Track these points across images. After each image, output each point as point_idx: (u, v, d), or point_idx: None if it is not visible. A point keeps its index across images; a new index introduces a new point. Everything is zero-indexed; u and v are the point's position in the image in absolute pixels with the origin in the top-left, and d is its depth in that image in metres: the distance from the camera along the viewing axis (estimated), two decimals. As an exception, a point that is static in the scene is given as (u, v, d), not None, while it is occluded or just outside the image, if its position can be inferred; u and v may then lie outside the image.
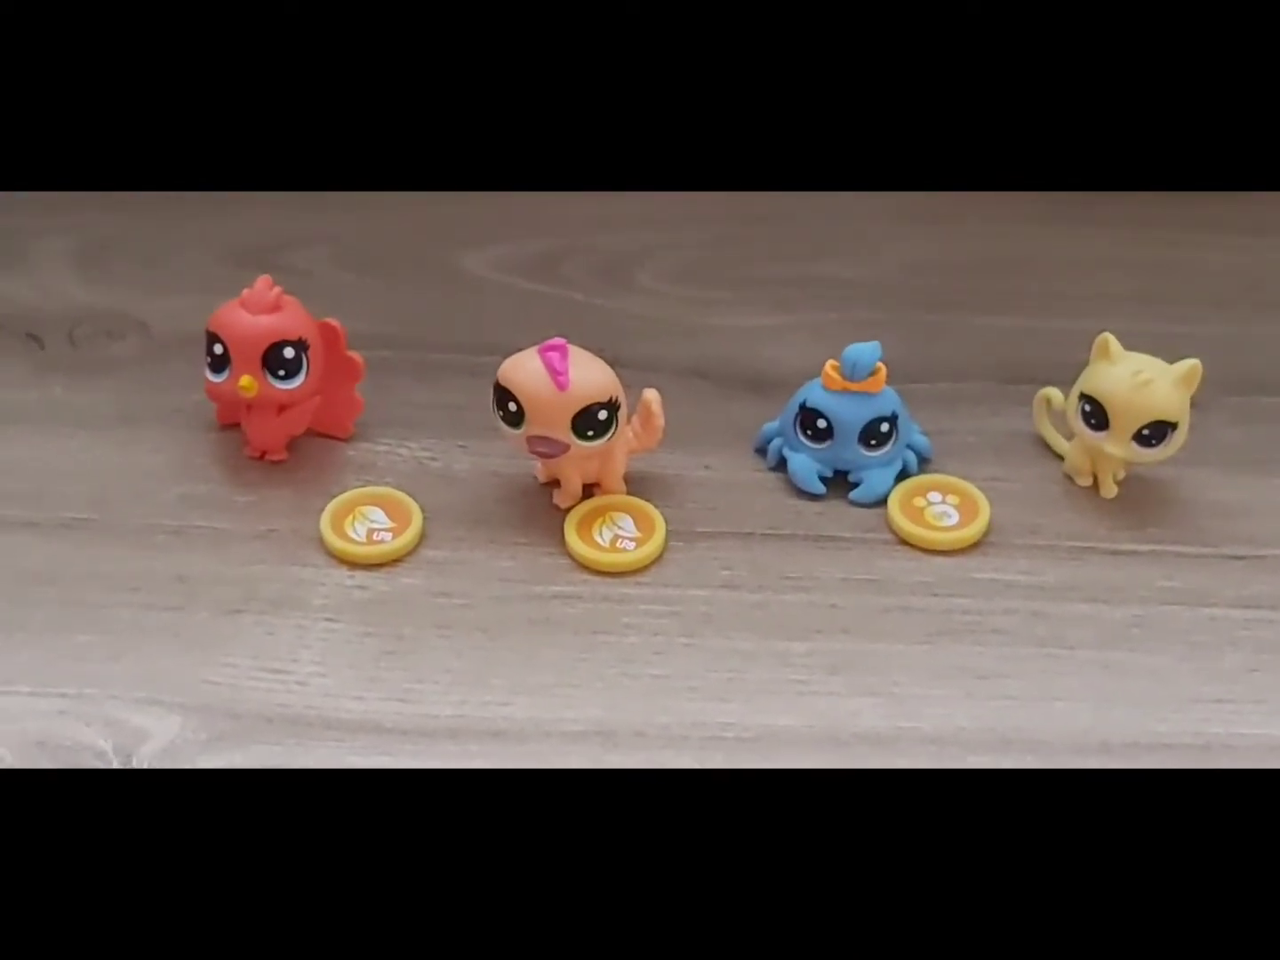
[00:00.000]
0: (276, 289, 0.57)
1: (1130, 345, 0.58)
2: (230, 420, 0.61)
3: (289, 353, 0.56)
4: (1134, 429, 0.56)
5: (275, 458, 0.59)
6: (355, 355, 0.59)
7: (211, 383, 0.58)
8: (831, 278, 0.71)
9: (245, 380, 0.56)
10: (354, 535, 0.56)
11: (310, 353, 0.57)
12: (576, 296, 0.70)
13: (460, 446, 0.61)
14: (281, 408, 0.58)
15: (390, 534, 0.56)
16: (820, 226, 0.73)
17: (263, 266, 0.70)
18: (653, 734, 0.50)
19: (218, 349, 0.57)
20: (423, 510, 0.57)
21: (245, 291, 0.57)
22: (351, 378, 0.60)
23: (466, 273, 0.72)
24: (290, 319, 0.57)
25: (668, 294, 0.70)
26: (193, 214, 0.73)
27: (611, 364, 0.56)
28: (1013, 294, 0.70)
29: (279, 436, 0.59)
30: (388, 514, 0.57)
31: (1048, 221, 0.73)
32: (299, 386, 0.57)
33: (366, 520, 0.57)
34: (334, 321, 0.58)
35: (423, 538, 0.57)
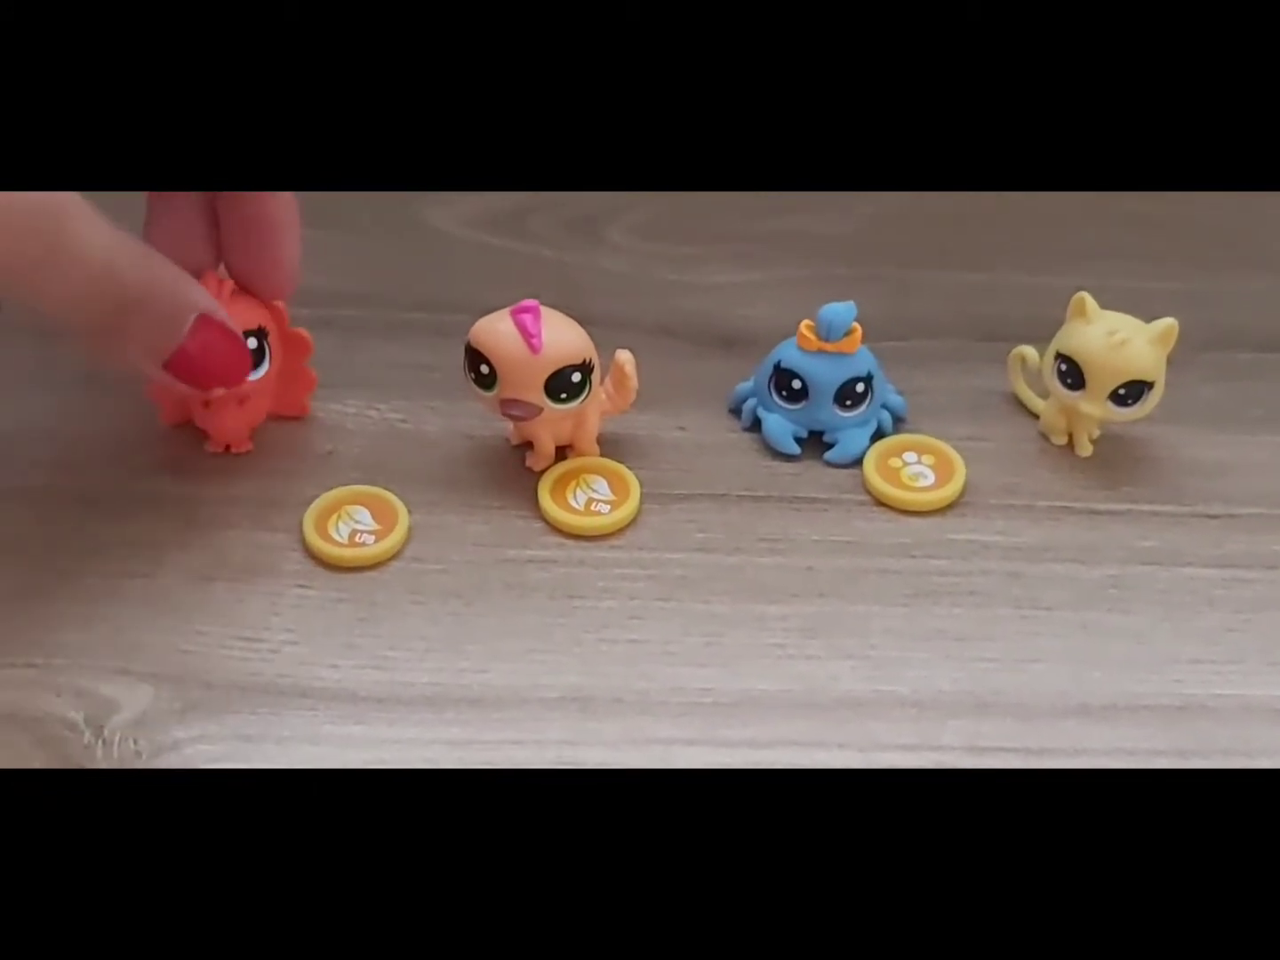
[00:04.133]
0: (228, 282, 0.54)
1: (1105, 301, 0.57)
2: (178, 419, 0.58)
3: (252, 343, 0.54)
4: (1110, 388, 0.56)
5: (241, 449, 0.57)
6: (301, 331, 0.57)
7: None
8: (804, 233, 0.71)
9: None
10: (337, 536, 0.54)
11: (269, 338, 0.55)
12: (545, 253, 0.69)
13: (430, 408, 0.60)
14: (241, 399, 0.56)
15: (373, 536, 0.54)
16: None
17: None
18: (631, 700, 0.50)
19: None
20: (407, 507, 0.55)
21: None
22: (300, 354, 0.58)
23: (432, 228, 0.71)
24: (248, 308, 0.54)
25: (638, 250, 0.70)
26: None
27: (581, 323, 0.55)
28: (987, 249, 0.70)
29: (242, 428, 0.57)
30: (373, 514, 0.55)
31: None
32: (265, 375, 0.55)
33: (351, 521, 0.55)
34: (276, 303, 0.56)
35: (409, 539, 0.55)
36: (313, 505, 0.55)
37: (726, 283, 0.68)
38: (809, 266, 0.69)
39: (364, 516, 0.55)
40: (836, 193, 0.72)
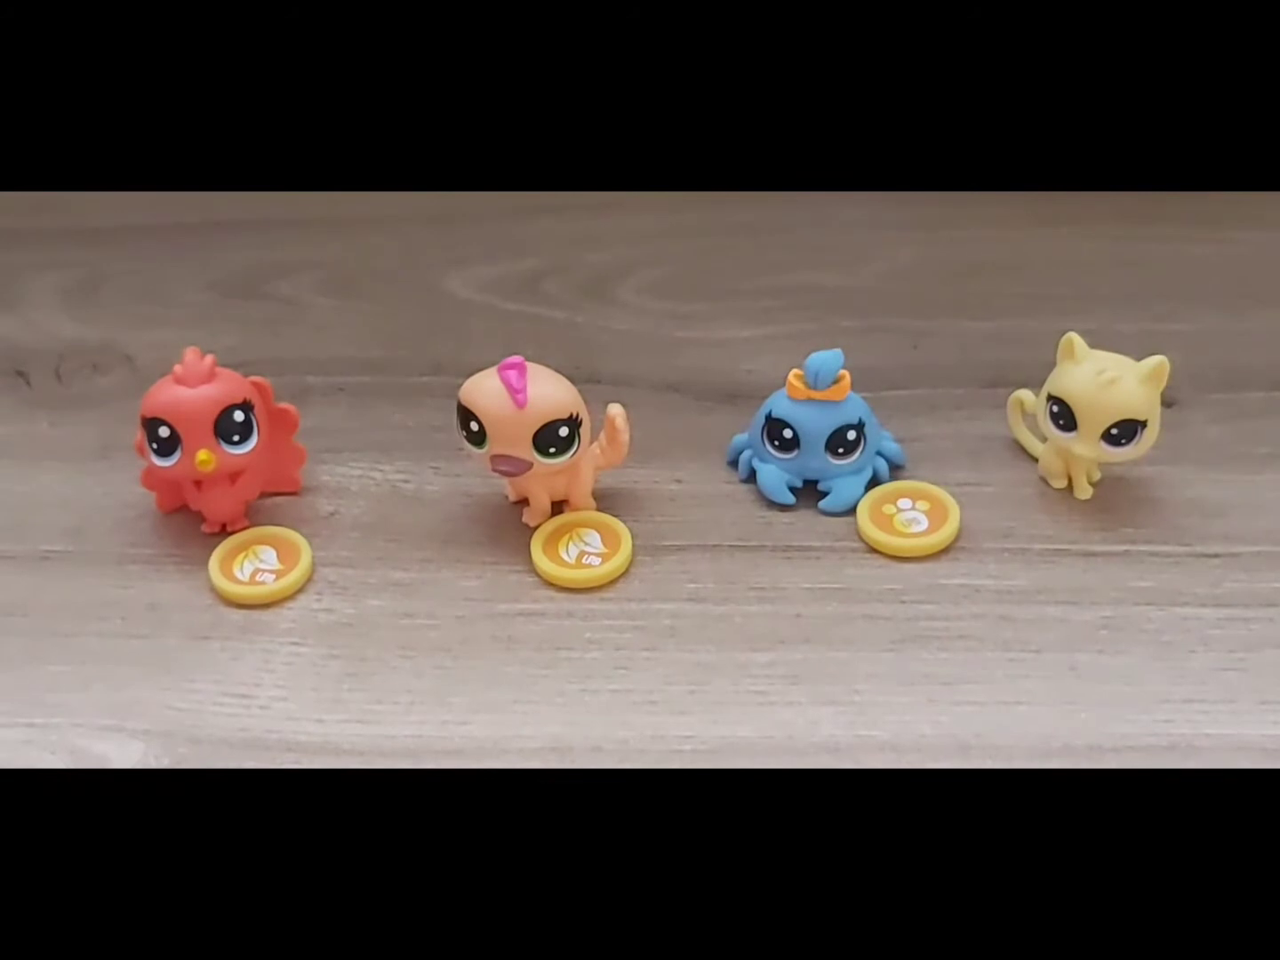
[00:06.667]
0: (209, 357, 0.56)
1: (1114, 345, 0.57)
2: (173, 506, 0.59)
3: (239, 416, 0.55)
4: (1102, 428, 0.55)
5: (238, 527, 0.58)
6: (288, 406, 0.58)
7: (161, 468, 0.56)
8: (812, 286, 0.71)
9: (203, 455, 0.55)
10: (240, 575, 0.56)
11: (255, 412, 0.56)
12: (557, 315, 0.70)
13: (433, 468, 0.61)
14: (233, 476, 0.57)
15: (273, 575, 0.56)
16: (801, 235, 0.73)
17: (248, 296, 0.72)
18: (610, 749, 0.50)
19: (163, 432, 0.55)
20: (310, 544, 0.57)
21: (177, 368, 0.55)
22: (288, 430, 0.59)
23: (450, 294, 0.72)
24: (230, 383, 0.56)
25: (648, 309, 0.70)
26: (179, 246, 0.74)
27: (587, 380, 0.56)
28: (995, 296, 0.70)
29: (237, 506, 0.58)
30: (279, 554, 0.57)
31: (1028, 223, 0.73)
32: (253, 449, 0.56)
33: (256, 559, 0.56)
34: (261, 379, 0.57)
35: (311, 578, 0.56)
36: (219, 546, 0.57)
37: (733, 338, 0.68)
38: (817, 319, 0.69)
39: (269, 555, 0.57)
40: (845, 246, 0.73)
